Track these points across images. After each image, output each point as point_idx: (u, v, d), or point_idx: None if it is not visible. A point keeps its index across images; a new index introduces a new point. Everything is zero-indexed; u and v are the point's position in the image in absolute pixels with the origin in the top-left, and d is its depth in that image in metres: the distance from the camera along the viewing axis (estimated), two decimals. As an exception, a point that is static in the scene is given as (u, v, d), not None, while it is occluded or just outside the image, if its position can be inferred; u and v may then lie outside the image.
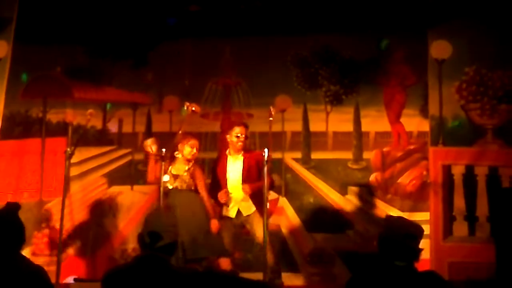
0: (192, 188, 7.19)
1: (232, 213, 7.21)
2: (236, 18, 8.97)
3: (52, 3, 8.99)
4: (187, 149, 7.19)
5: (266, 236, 6.35)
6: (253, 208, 7.15)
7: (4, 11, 9.00)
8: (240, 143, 7.18)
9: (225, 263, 7.05)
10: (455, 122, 8.23)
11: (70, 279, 7.86)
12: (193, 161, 7.26)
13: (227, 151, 7.33)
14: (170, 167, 7.17)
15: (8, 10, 8.98)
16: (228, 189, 7.16)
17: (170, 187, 7.13)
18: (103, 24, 9.25)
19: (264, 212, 6.32)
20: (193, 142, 7.23)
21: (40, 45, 9.16)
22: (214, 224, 7.06)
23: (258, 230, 6.95)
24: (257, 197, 6.95)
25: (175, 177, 7.16)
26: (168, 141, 7.35)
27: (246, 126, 7.28)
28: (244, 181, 7.15)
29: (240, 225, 7.32)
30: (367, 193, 8.59)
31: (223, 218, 7.25)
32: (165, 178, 7.01)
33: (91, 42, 9.42)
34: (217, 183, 7.29)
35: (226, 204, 7.19)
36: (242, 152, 7.25)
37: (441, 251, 7.89)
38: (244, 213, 7.19)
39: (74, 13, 9.08)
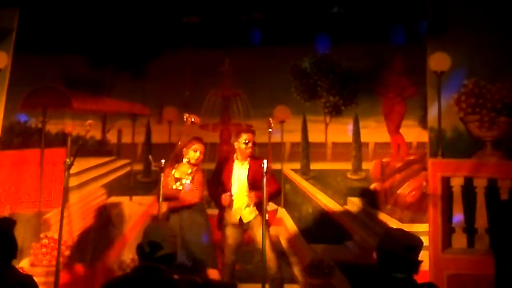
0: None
1: (234, 219, 7.20)
2: (236, 30, 8.99)
3: (52, 13, 9.02)
4: (191, 153, 7.22)
5: (264, 246, 6.35)
6: (254, 214, 7.16)
7: (4, 22, 9.03)
8: (248, 150, 7.19)
9: (213, 274, 7.04)
10: (454, 134, 8.24)
11: None
12: (197, 166, 7.28)
13: (235, 155, 7.33)
14: (173, 171, 7.17)
15: (8, 21, 9.01)
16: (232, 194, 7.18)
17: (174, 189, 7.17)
18: (103, 35, 9.29)
19: (263, 223, 6.32)
20: (197, 146, 7.26)
21: (39, 56, 9.18)
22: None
23: (259, 236, 6.88)
24: (260, 205, 6.97)
25: (177, 180, 7.19)
26: (168, 152, 7.35)
27: (253, 132, 7.30)
28: (250, 186, 7.17)
29: (242, 231, 7.28)
30: (368, 202, 8.60)
31: (227, 226, 7.25)
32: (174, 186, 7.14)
33: (91, 53, 9.45)
34: (223, 189, 7.29)
35: (229, 207, 7.18)
36: (249, 158, 7.25)
37: (440, 263, 7.87)
38: (245, 220, 7.19)
39: (74, 24, 9.12)
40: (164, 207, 7.03)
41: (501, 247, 7.33)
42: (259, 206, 7.06)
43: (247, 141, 7.18)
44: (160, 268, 3.95)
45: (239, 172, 7.26)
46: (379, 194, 8.60)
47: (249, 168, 7.24)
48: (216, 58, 9.22)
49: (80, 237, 8.76)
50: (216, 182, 7.38)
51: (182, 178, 7.21)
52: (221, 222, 7.33)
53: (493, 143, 8.09)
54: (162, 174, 6.73)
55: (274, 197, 7.44)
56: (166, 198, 7.08)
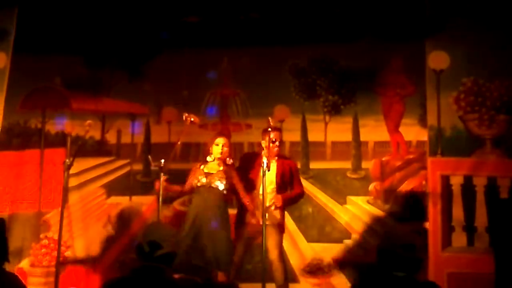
0: (223, 189, 6.99)
1: (254, 219, 7.03)
2: (235, 29, 8.99)
3: (50, 14, 9.01)
4: (215, 148, 7.05)
5: (264, 246, 6.33)
6: (274, 218, 7.05)
7: (2, 22, 9.01)
8: (276, 148, 7.08)
9: (221, 278, 6.95)
10: (453, 132, 8.24)
11: None
12: (227, 162, 7.09)
13: (263, 153, 7.11)
14: (202, 166, 7.06)
15: (6, 21, 8.99)
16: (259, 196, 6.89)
17: (199, 184, 7.00)
18: (101, 35, 9.28)
19: (263, 222, 6.30)
20: (219, 139, 7.10)
21: (38, 56, 9.18)
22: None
23: (270, 241, 6.82)
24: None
25: (207, 175, 6.98)
26: (167, 152, 7.34)
27: (279, 130, 7.27)
28: (278, 186, 7.10)
29: (255, 232, 7.03)
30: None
31: (241, 225, 7.17)
32: (196, 181, 7.00)
33: (90, 53, 9.44)
34: (249, 187, 7.14)
35: (252, 212, 7.02)
36: (276, 158, 7.16)
37: (440, 261, 7.87)
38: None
39: (72, 24, 9.11)
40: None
41: (501, 245, 7.32)
42: (282, 209, 7.05)
43: (274, 139, 7.00)
44: (160, 268, 3.95)
45: (267, 174, 6.85)
46: (379, 193, 8.61)
47: (277, 167, 7.13)
48: (215, 57, 9.23)
49: (80, 237, 8.76)
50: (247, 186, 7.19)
51: (213, 175, 7.01)
52: (239, 220, 7.22)
53: (493, 141, 8.09)
54: (161, 174, 6.71)
55: (296, 200, 7.43)
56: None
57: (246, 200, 6.99)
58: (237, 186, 7.02)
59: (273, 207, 7.07)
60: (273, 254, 6.93)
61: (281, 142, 7.26)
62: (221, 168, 7.04)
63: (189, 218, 6.90)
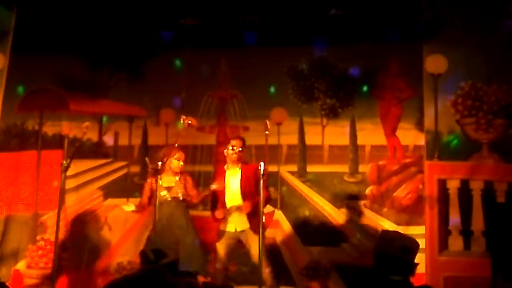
0: (185, 197, 7.23)
1: (230, 227, 7.21)
2: (233, 32, 9.01)
3: (49, 15, 9.01)
4: (174, 163, 7.25)
5: (262, 250, 6.33)
6: (247, 225, 7.15)
7: (1, 23, 9.02)
8: (234, 155, 7.20)
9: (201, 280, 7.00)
10: (450, 136, 8.24)
11: None
12: (180, 173, 7.32)
13: (226, 166, 7.34)
14: (160, 181, 7.08)
15: (5, 22, 9.00)
16: (226, 203, 7.18)
17: (163, 197, 7.13)
18: (99, 37, 9.28)
19: (260, 225, 6.31)
20: (179, 154, 7.30)
21: (36, 57, 9.18)
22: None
23: (253, 246, 6.95)
24: (253, 213, 6.96)
25: (168, 189, 7.18)
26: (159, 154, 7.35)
27: (241, 139, 7.32)
28: (243, 193, 7.16)
29: (236, 238, 7.26)
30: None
31: (221, 232, 7.25)
32: (163, 193, 7.05)
33: (88, 55, 9.45)
34: (215, 197, 7.32)
35: (224, 218, 7.19)
36: (240, 164, 7.25)
37: (436, 265, 7.88)
38: (238, 229, 7.19)
39: (71, 25, 9.11)
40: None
41: (497, 249, 7.33)
42: (252, 215, 7.04)
43: (234, 147, 7.19)
44: (162, 270, 3.97)
45: (232, 181, 7.27)
46: (376, 197, 8.61)
47: (241, 174, 7.25)
48: (213, 59, 9.23)
49: (76, 239, 8.75)
50: (215, 200, 7.37)
51: (173, 187, 7.20)
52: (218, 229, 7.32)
53: (490, 145, 8.10)
54: (159, 176, 6.72)
55: (266, 204, 7.37)
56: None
57: (197, 200, 7.32)
58: (190, 190, 7.29)
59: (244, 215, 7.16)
60: (255, 254, 6.93)
61: (243, 149, 7.28)
62: (177, 178, 7.30)
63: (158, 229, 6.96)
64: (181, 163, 7.28)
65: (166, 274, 3.99)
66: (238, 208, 7.15)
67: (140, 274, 4.02)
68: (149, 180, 7.34)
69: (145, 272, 4.00)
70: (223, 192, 7.25)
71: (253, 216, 6.94)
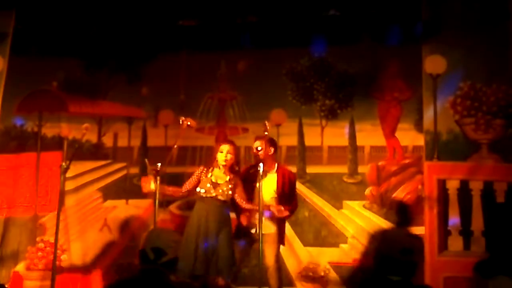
0: (229, 198, 6.88)
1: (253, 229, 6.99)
2: (232, 33, 9.01)
3: (48, 17, 9.02)
4: (219, 155, 6.89)
5: (261, 249, 6.33)
6: (273, 229, 6.99)
7: (0, 25, 9.02)
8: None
9: (221, 282, 6.93)
10: (450, 137, 8.24)
11: None
12: (233, 172, 6.95)
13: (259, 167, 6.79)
14: (209, 174, 6.87)
15: (4, 24, 9.00)
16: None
17: (204, 194, 6.83)
18: (98, 38, 9.30)
19: (259, 227, 6.29)
20: (223, 146, 6.95)
21: (35, 59, 9.19)
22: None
23: (267, 250, 6.84)
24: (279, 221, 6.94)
25: (215, 185, 6.83)
26: (164, 155, 7.32)
27: (268, 139, 6.97)
28: (279, 197, 6.99)
29: (254, 240, 6.98)
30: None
31: (241, 232, 7.09)
32: (201, 190, 6.84)
33: (87, 56, 9.46)
34: (248, 197, 7.01)
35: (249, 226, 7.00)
36: (276, 168, 7.09)
37: (436, 265, 7.86)
38: (264, 231, 6.65)
39: (70, 27, 9.12)
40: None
41: (497, 249, 7.32)
42: (278, 221, 6.97)
43: (259, 148, 6.77)
44: (162, 271, 3.97)
45: (266, 182, 6.88)
46: (375, 198, 8.61)
47: (277, 178, 7.05)
48: (212, 61, 9.24)
49: (76, 241, 8.76)
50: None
51: (220, 183, 6.85)
52: (238, 227, 7.13)
53: (489, 145, 8.09)
54: (157, 178, 6.67)
55: (292, 212, 7.27)
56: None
57: (246, 207, 6.93)
58: (239, 194, 6.90)
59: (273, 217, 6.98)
60: (270, 261, 6.90)
61: (276, 149, 7.17)
62: (228, 177, 6.91)
63: (193, 226, 6.77)
64: (229, 156, 6.86)
65: (165, 274, 3.98)
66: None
67: (139, 276, 4.01)
68: (201, 169, 7.03)
69: (143, 273, 4.00)
70: (253, 194, 6.93)
71: (278, 224, 6.90)
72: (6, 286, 8.32)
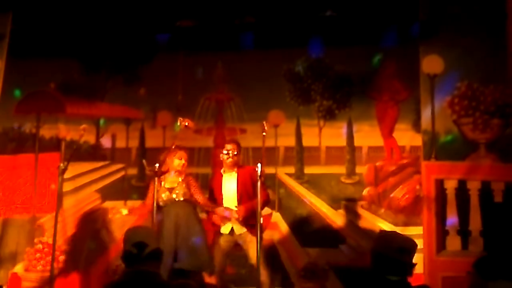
0: (187, 197, 7.14)
1: (225, 229, 7.20)
2: (229, 34, 9.01)
3: (45, 19, 9.01)
4: (176, 161, 7.19)
5: (259, 252, 6.34)
6: (244, 229, 7.13)
7: (-3, 27, 9.03)
8: (230, 160, 7.18)
9: (210, 280, 7.03)
10: (448, 137, 8.24)
11: None
12: (184, 173, 7.26)
13: (222, 170, 7.33)
14: (163, 183, 7.15)
15: (1, 26, 8.99)
16: (223, 208, 7.14)
17: (165, 199, 7.09)
18: (96, 40, 9.29)
19: (258, 227, 6.31)
20: (180, 153, 7.23)
21: (33, 61, 9.19)
22: (216, 219, 7.21)
23: (251, 249, 6.95)
24: (250, 217, 6.96)
25: (170, 190, 7.11)
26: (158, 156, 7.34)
27: (235, 143, 7.31)
28: (240, 196, 7.13)
29: (233, 241, 7.25)
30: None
31: (219, 234, 7.23)
32: (163, 196, 7.05)
33: (84, 58, 9.46)
34: (212, 201, 7.28)
35: (222, 223, 7.17)
36: (236, 168, 7.25)
37: (434, 265, 7.87)
38: (237, 232, 7.17)
39: (67, 29, 9.11)
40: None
41: (495, 249, 7.33)
42: (250, 217, 7.02)
43: (229, 151, 7.16)
44: (153, 273, 3.96)
45: (229, 184, 7.24)
46: (373, 198, 8.62)
47: (237, 178, 7.22)
48: (209, 62, 9.24)
49: (75, 242, 8.75)
50: (211, 198, 7.35)
51: (175, 188, 7.15)
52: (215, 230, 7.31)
53: (487, 145, 8.09)
54: (156, 179, 6.72)
55: (261, 206, 7.36)
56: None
57: (204, 204, 7.22)
58: (195, 193, 7.18)
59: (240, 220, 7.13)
60: (253, 257, 6.93)
61: (238, 154, 7.24)
62: (180, 179, 7.20)
63: (169, 228, 6.96)
64: (183, 161, 7.21)
65: (157, 276, 3.98)
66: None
67: (130, 278, 3.99)
68: (153, 182, 7.31)
69: (134, 275, 3.97)
70: (220, 196, 7.24)
71: (251, 218, 6.92)
72: (4, 287, 8.32)
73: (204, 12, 9.04)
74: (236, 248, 7.39)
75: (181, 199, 7.09)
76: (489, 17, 8.09)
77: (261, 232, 6.65)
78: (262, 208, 7.16)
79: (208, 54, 9.19)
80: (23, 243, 8.78)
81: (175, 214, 7.01)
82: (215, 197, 7.29)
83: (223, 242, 7.22)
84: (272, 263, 7.53)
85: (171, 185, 7.16)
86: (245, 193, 7.13)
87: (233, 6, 8.90)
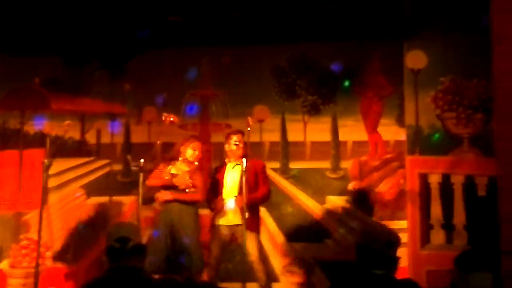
0: (188, 188, 7.15)
1: (222, 221, 7.15)
2: (215, 29, 8.99)
3: (28, 14, 8.95)
4: (189, 152, 7.22)
5: (245, 244, 6.36)
6: (241, 221, 7.02)
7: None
8: (240, 151, 7.15)
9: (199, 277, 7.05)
10: (435, 135, 8.27)
11: None
12: (195, 164, 7.26)
13: (227, 159, 7.29)
14: (169, 167, 7.13)
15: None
16: (224, 197, 7.13)
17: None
18: (80, 35, 9.22)
19: (243, 222, 6.33)
20: (195, 144, 7.28)
21: (17, 57, 9.13)
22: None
23: (248, 243, 6.86)
24: (248, 210, 6.95)
25: (173, 176, 7.13)
26: (147, 152, 7.34)
27: (242, 133, 7.27)
28: (240, 189, 7.07)
29: (229, 233, 7.18)
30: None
31: (213, 227, 7.21)
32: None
33: (69, 53, 9.40)
34: (215, 190, 7.24)
35: (221, 210, 7.14)
36: (241, 159, 7.13)
37: (418, 259, 7.93)
38: (233, 222, 7.06)
39: (51, 24, 9.05)
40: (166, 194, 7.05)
41: (479, 243, 7.38)
42: (250, 209, 6.95)
43: (237, 142, 7.15)
44: (138, 268, 3.95)
45: (232, 174, 7.20)
46: (358, 192, 8.66)
47: (245, 169, 7.16)
48: (195, 57, 9.22)
49: (60, 238, 8.73)
50: (213, 189, 7.32)
51: (179, 176, 7.15)
52: (212, 223, 7.27)
53: (470, 140, 8.13)
54: (141, 174, 6.72)
55: (262, 200, 7.38)
56: (159, 187, 7.20)
57: (199, 194, 7.21)
58: (199, 187, 7.19)
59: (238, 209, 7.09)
60: (252, 256, 6.96)
61: (245, 144, 7.25)
62: (187, 168, 7.21)
63: (165, 224, 6.99)
64: (196, 152, 7.24)
65: (142, 271, 3.97)
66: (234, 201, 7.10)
67: (114, 274, 3.97)
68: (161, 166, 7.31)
69: (119, 271, 3.96)
70: (221, 185, 7.20)
71: (250, 211, 6.87)
72: (-10, 284, 8.30)
73: (189, 7, 9.01)
74: (232, 242, 7.35)
75: (183, 187, 7.11)
76: (472, 11, 8.12)
77: (257, 229, 6.74)
78: (261, 202, 7.23)
79: (193, 49, 9.16)
80: (9, 240, 8.74)
81: (172, 211, 7.06)
82: (217, 186, 7.24)
83: (219, 235, 7.19)
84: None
85: (176, 171, 7.16)
86: (248, 185, 7.09)
87: (217, 1, 8.88)
